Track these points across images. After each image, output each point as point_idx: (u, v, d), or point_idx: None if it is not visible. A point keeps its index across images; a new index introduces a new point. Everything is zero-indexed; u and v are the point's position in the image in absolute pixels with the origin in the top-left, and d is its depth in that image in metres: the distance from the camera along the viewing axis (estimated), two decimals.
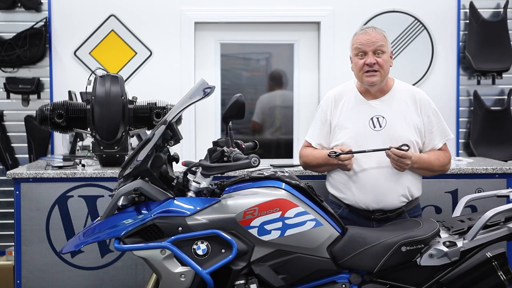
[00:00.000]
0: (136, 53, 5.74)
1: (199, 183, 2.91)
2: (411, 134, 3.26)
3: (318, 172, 3.54)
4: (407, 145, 3.14)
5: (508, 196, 3.22)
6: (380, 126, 3.26)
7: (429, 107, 3.34)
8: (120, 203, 2.87)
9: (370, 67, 3.23)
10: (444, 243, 2.92)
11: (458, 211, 3.29)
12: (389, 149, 3.13)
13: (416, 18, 5.77)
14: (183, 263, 2.79)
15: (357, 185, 3.25)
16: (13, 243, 4.10)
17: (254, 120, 6.04)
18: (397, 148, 3.12)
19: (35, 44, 5.59)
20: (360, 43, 3.26)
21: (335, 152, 3.15)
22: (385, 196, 3.23)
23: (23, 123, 5.61)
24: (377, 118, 3.28)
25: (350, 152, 3.16)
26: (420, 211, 3.42)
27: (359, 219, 3.26)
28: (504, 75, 5.71)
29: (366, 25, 3.39)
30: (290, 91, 5.98)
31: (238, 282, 2.84)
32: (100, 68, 3.96)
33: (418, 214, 3.38)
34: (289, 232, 2.84)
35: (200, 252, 2.79)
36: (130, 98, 3.90)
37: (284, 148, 6.02)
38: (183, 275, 2.79)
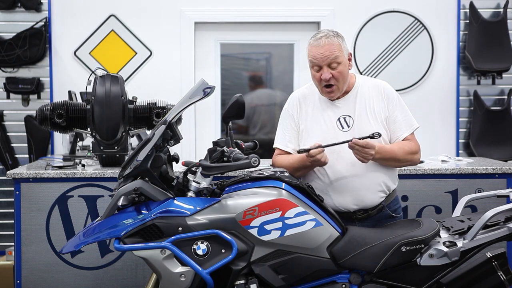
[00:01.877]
0: (136, 53, 5.74)
1: (199, 183, 2.91)
2: (379, 129, 3.20)
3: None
4: (379, 133, 3.07)
5: (508, 196, 3.21)
6: (348, 126, 3.22)
7: (393, 97, 3.27)
8: (120, 203, 2.87)
9: (327, 82, 3.16)
10: (444, 243, 2.92)
11: (458, 211, 3.28)
12: (351, 140, 3.06)
13: (416, 18, 5.77)
14: (183, 263, 2.79)
15: (334, 190, 3.20)
16: (13, 243, 4.10)
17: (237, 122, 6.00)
18: (369, 136, 3.05)
19: (35, 44, 5.59)
20: (313, 57, 3.17)
21: (305, 149, 3.08)
22: (363, 195, 3.19)
23: (23, 123, 5.62)
24: (344, 118, 3.23)
25: (320, 146, 3.07)
26: (400, 203, 3.37)
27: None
28: (504, 75, 5.72)
29: (319, 31, 3.21)
30: (271, 89, 6.03)
31: (238, 282, 2.84)
32: (100, 68, 3.96)
33: (398, 207, 3.33)
34: (289, 232, 2.84)
35: (200, 252, 2.79)
36: (130, 98, 3.90)
37: None
38: (183, 275, 2.79)
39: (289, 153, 3.31)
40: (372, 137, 3.05)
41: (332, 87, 3.18)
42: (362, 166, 3.16)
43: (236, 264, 2.82)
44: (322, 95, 3.25)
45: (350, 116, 3.23)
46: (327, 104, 3.27)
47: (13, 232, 3.83)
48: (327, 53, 3.14)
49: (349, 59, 3.23)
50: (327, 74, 3.14)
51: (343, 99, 3.26)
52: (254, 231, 2.82)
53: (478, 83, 5.75)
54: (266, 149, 5.93)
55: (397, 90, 3.42)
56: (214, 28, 5.87)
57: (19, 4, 5.62)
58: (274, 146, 3.38)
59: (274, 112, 6.07)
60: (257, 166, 2.77)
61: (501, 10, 5.76)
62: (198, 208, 2.83)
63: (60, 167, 3.89)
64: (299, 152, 3.10)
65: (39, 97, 5.66)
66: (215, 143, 2.97)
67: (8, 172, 3.78)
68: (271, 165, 3.80)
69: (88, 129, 3.84)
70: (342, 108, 3.25)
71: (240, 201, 2.85)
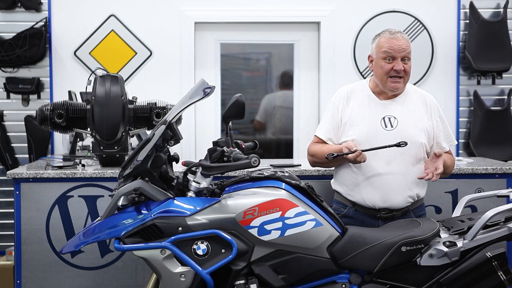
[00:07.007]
0: (136, 53, 5.74)
1: (199, 183, 2.91)
2: (421, 136, 3.29)
3: (326, 167, 3.57)
4: (405, 142, 3.15)
5: (508, 196, 3.22)
6: (392, 126, 3.29)
7: (437, 111, 3.39)
8: (120, 203, 2.87)
9: (397, 74, 3.26)
10: (444, 243, 2.93)
11: (458, 211, 3.29)
12: (398, 145, 3.13)
13: (416, 18, 5.77)
14: (183, 263, 2.79)
15: (365, 184, 3.28)
16: (13, 243, 4.10)
17: (257, 119, 6.04)
18: (395, 145, 3.13)
19: (35, 44, 5.58)
20: (390, 47, 3.28)
21: (333, 154, 3.15)
22: (392, 195, 3.25)
23: (23, 123, 5.61)
24: (389, 118, 3.31)
25: (348, 152, 3.14)
26: (425, 210, 3.44)
27: (364, 218, 3.30)
28: (504, 75, 5.71)
29: (391, 28, 3.39)
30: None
31: (238, 282, 2.84)
32: (100, 68, 3.96)
33: (422, 214, 3.40)
34: (289, 232, 2.84)
35: (200, 252, 2.80)
36: (130, 98, 3.90)
37: (284, 148, 6.02)
38: (183, 275, 2.79)
39: (325, 142, 3.38)
40: (398, 145, 3.14)
41: (400, 78, 3.27)
42: (396, 166, 3.25)
43: (236, 264, 2.82)
44: (385, 87, 3.32)
45: (395, 117, 3.31)
46: (375, 102, 3.35)
47: (13, 232, 3.83)
48: (404, 46, 3.28)
49: None
50: (401, 66, 3.27)
51: (392, 100, 3.35)
52: (254, 231, 2.82)
53: (478, 83, 5.75)
54: (266, 150, 5.97)
55: None
56: (214, 28, 5.87)
57: (19, 4, 5.61)
58: (315, 133, 3.46)
59: (277, 112, 6.08)
60: (257, 166, 2.77)
61: (501, 10, 5.75)
62: (198, 208, 2.83)
63: (60, 167, 3.89)
64: (327, 157, 3.16)
65: (39, 97, 5.66)
66: (215, 143, 2.97)
67: (8, 172, 3.78)
68: (271, 165, 3.81)
69: (88, 129, 3.84)
70: (389, 108, 3.33)
71: (240, 201, 2.86)
